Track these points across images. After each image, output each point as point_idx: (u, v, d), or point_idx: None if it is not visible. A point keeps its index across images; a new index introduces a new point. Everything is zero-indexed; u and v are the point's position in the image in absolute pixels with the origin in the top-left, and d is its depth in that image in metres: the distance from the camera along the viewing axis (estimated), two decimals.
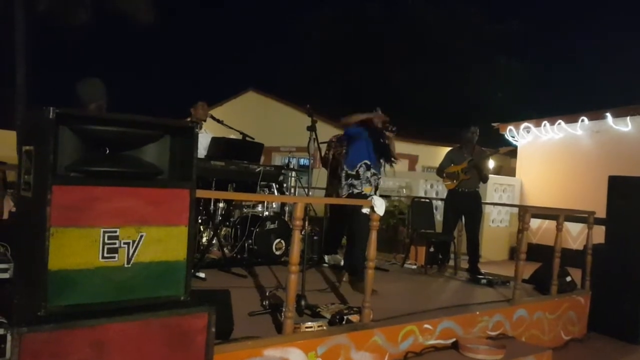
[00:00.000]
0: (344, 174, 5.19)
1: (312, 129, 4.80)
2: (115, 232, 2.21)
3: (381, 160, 5.30)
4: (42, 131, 2.06)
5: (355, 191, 5.09)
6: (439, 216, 8.60)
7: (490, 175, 6.66)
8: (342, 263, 6.25)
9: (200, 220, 5.77)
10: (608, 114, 10.34)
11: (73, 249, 2.11)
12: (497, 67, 22.59)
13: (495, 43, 22.81)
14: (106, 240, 2.18)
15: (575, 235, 10.01)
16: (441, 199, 7.93)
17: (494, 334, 4.70)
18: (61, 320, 2.07)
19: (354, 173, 5.11)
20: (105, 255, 2.19)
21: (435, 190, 10.95)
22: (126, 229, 2.24)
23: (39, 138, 2.09)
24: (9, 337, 2.01)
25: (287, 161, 15.85)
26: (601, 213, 6.04)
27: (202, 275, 4.88)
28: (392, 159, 5.32)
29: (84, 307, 2.15)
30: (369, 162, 5.14)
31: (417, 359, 3.95)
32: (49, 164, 2.04)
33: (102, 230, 2.17)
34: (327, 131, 7.39)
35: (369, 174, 5.11)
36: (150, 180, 2.34)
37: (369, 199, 3.97)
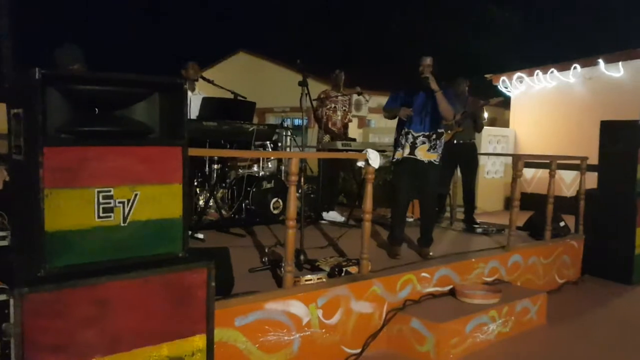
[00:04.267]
0: None
1: (304, 83, 4.78)
2: (110, 191, 2.22)
3: (425, 113, 4.73)
4: (29, 93, 2.05)
5: (393, 159, 4.85)
6: None
7: (484, 127, 6.66)
8: (339, 219, 6.32)
9: (196, 183, 5.78)
10: (600, 60, 10.29)
11: (68, 210, 2.13)
12: (489, 17, 22.30)
13: None
14: (101, 200, 2.20)
15: (568, 183, 10.09)
16: None
17: (490, 279, 4.79)
18: (62, 280, 2.10)
19: (394, 143, 4.88)
20: (101, 215, 2.21)
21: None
22: (120, 188, 2.25)
23: (27, 100, 2.08)
24: (11, 302, 2.03)
25: (280, 122, 15.82)
26: (595, 160, 6.08)
27: (200, 236, 4.92)
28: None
29: (84, 266, 2.18)
30: (405, 128, 4.75)
31: (415, 306, 4.03)
32: (39, 126, 2.04)
33: (96, 190, 2.19)
34: (319, 88, 7.36)
35: (402, 137, 4.77)
36: (141, 138, 2.34)
37: (364, 151, 3.97)
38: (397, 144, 4.82)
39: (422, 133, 4.72)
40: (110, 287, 2.21)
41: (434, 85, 4.60)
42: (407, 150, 4.72)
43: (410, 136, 4.73)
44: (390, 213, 4.98)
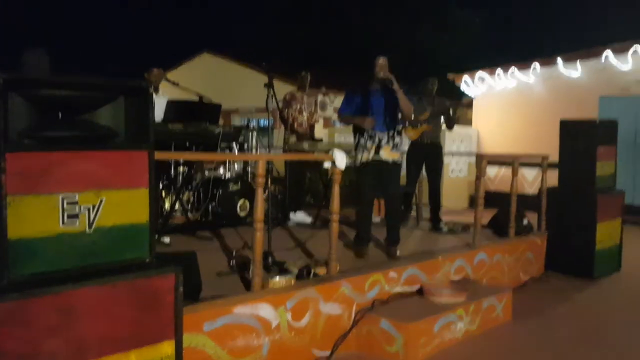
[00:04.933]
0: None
1: (269, 85, 4.77)
2: (74, 197, 2.18)
3: (385, 113, 4.80)
4: None
5: (354, 164, 4.80)
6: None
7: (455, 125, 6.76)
8: (307, 220, 6.33)
9: (161, 186, 5.71)
10: (559, 59, 10.56)
11: (32, 217, 2.08)
12: (450, 17, 22.62)
13: None
14: (65, 206, 2.15)
15: (531, 180, 10.32)
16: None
17: (456, 278, 4.86)
18: (25, 289, 2.05)
19: (355, 146, 4.83)
20: (66, 221, 2.16)
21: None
22: (85, 194, 2.21)
23: None
24: None
25: (246, 122, 15.72)
26: (556, 157, 6.22)
27: (166, 240, 4.86)
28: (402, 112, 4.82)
29: (48, 274, 2.13)
30: (370, 131, 4.76)
31: (384, 306, 4.06)
32: (0, 132, 1.99)
33: (60, 196, 2.14)
34: (285, 89, 7.35)
35: (363, 139, 4.78)
36: (106, 143, 2.30)
37: (330, 152, 3.99)
38: (359, 147, 4.82)
39: (384, 132, 4.79)
40: (76, 294, 2.16)
41: (396, 84, 4.64)
42: (372, 152, 4.76)
43: (376, 138, 4.77)
44: (356, 214, 5.00)
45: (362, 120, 4.76)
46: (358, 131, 4.85)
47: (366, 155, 4.77)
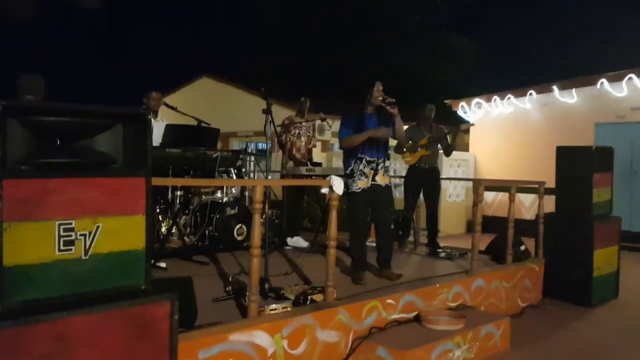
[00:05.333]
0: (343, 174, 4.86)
1: (267, 111, 4.80)
2: (71, 224, 2.18)
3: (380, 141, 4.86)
4: None
5: (350, 190, 4.74)
6: (397, 194, 8.74)
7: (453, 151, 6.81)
8: (304, 245, 6.31)
9: (158, 210, 5.70)
10: (554, 87, 10.66)
11: (28, 244, 2.07)
12: (447, 44, 22.85)
13: (445, 20, 23.10)
14: (62, 233, 2.15)
15: (528, 205, 10.32)
16: (400, 177, 8.05)
17: (454, 304, 4.83)
18: (20, 316, 2.04)
19: (348, 172, 4.80)
20: (62, 248, 2.16)
21: (392, 168, 11.07)
22: (82, 220, 2.21)
23: None
24: None
25: (244, 146, 15.76)
26: (552, 183, 6.24)
27: (163, 265, 4.84)
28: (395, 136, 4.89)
29: (43, 301, 2.13)
30: (362, 155, 4.78)
31: (381, 333, 4.03)
32: None
33: (57, 222, 2.14)
34: (283, 114, 7.39)
35: (362, 165, 4.77)
36: (104, 169, 2.31)
37: (327, 178, 3.99)
38: (356, 172, 4.80)
39: (380, 158, 4.84)
40: (71, 322, 2.15)
41: (394, 109, 4.69)
42: (370, 178, 4.79)
43: (373, 163, 4.80)
44: (351, 239, 4.99)
45: (377, 132, 4.77)
46: (353, 157, 4.85)
47: (365, 181, 4.78)
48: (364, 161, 4.80)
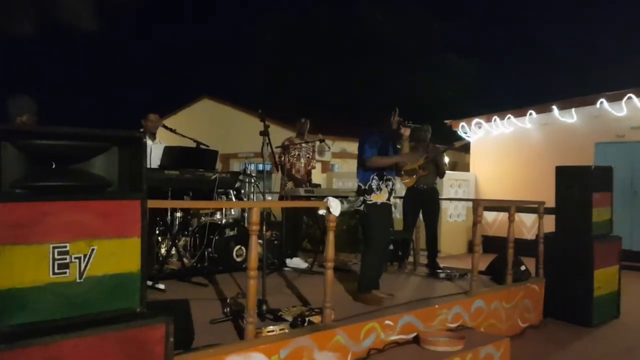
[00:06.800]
0: (357, 188, 4.98)
1: (264, 133, 4.83)
2: (65, 247, 2.18)
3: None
4: None
5: (368, 201, 4.87)
6: (397, 214, 8.72)
7: (446, 171, 6.83)
8: (303, 266, 6.30)
9: (157, 231, 5.70)
10: (554, 107, 10.71)
11: (22, 267, 2.08)
12: (446, 65, 23.02)
13: (443, 41, 23.34)
14: (56, 256, 2.16)
15: (529, 225, 10.30)
16: (399, 197, 8.04)
17: (453, 325, 4.79)
18: (13, 340, 2.03)
19: (366, 188, 4.87)
20: (56, 271, 2.16)
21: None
22: (76, 243, 2.21)
23: None
24: None
25: (244, 167, 15.79)
26: (552, 203, 6.23)
27: (161, 286, 4.83)
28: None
29: (37, 325, 2.12)
30: (387, 176, 4.93)
31: (379, 355, 4.00)
32: None
33: (51, 246, 2.15)
34: (281, 135, 7.42)
35: (380, 182, 4.89)
36: (99, 192, 2.32)
37: (325, 200, 4.00)
38: (373, 188, 4.86)
39: (393, 177, 5.07)
40: (64, 346, 2.14)
41: (407, 131, 5.02)
42: (385, 196, 4.90)
43: (390, 182, 4.95)
44: (367, 258, 4.96)
45: (408, 159, 5.25)
46: (373, 172, 4.90)
47: (379, 196, 4.86)
48: (384, 178, 4.91)
